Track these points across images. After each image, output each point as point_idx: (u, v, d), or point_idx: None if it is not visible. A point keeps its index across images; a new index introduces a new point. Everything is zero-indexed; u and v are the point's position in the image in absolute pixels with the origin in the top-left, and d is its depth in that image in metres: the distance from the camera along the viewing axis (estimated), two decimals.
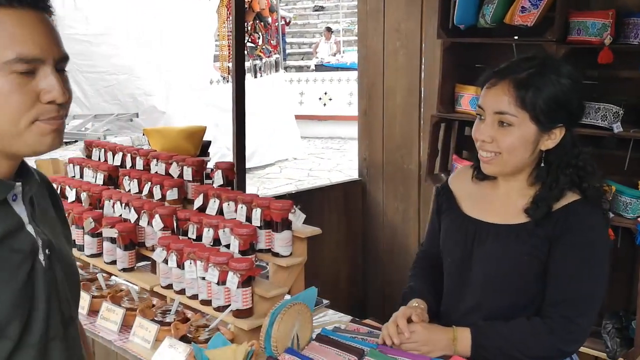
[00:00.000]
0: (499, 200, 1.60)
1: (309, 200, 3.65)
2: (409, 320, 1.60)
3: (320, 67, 12.40)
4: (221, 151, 7.17)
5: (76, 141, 8.81)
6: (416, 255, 1.88)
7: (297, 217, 1.97)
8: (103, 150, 2.73)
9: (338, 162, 9.00)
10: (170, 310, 1.96)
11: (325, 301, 2.16)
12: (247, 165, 4.06)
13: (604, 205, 1.53)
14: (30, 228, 1.07)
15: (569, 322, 1.48)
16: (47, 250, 1.08)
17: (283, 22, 11.87)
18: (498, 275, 1.56)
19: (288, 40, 13.82)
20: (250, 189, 3.40)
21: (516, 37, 3.01)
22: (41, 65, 0.98)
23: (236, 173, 2.62)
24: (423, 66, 3.64)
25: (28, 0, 0.99)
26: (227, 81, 8.23)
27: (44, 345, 1.07)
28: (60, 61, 1.02)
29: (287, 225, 1.97)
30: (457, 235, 1.64)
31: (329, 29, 13.93)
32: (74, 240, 2.35)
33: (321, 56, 13.36)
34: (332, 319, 2.04)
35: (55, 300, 1.09)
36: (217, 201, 2.13)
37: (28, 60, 0.97)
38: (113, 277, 2.29)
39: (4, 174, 1.05)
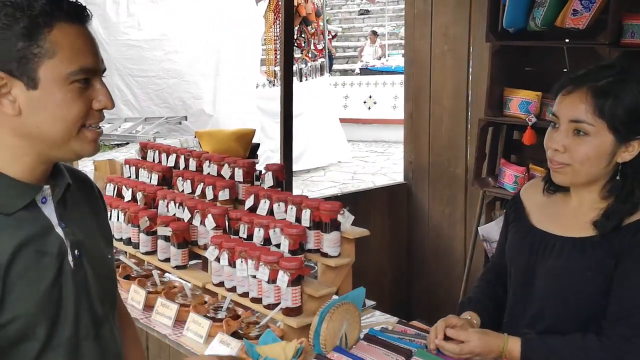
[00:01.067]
0: (569, 213, 1.55)
1: (354, 202, 3.68)
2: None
3: (365, 71, 12.41)
4: (266, 154, 7.27)
5: (127, 143, 9.08)
6: (485, 266, 1.87)
7: (345, 219, 2.00)
8: (157, 151, 2.83)
9: (382, 166, 8.98)
10: (221, 307, 2.02)
11: (371, 302, 2.19)
12: (294, 168, 4.12)
13: None
14: (59, 230, 1.10)
15: (625, 340, 1.41)
16: (76, 251, 1.11)
17: (330, 37, 11.96)
18: (560, 289, 1.51)
19: (333, 44, 13.88)
20: (295, 191, 3.45)
21: (567, 40, 2.97)
22: (93, 76, 1.06)
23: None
24: (471, 69, 3.63)
25: (82, 17, 1.06)
26: (273, 85, 8.33)
27: (74, 345, 1.10)
28: (103, 72, 1.10)
29: (335, 226, 2.01)
30: (522, 247, 1.61)
31: (374, 33, 13.94)
32: (129, 238, 2.45)
33: (366, 60, 13.37)
34: (379, 319, 2.06)
35: (85, 301, 1.12)
36: (268, 202, 2.18)
37: (87, 71, 1.04)
38: (167, 274, 2.37)
39: (36, 178, 1.09)
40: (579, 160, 1.44)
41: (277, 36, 8.09)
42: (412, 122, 4.02)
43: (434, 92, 3.84)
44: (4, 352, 1.04)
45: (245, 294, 2.02)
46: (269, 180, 2.35)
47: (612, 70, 1.45)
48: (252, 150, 3.14)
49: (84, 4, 1.09)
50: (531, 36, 3.05)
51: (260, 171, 2.50)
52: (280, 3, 3.42)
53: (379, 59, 13.36)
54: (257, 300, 1.97)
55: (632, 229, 1.43)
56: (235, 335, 1.87)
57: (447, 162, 3.83)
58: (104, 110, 1.09)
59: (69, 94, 1.03)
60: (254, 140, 3.21)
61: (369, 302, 2.20)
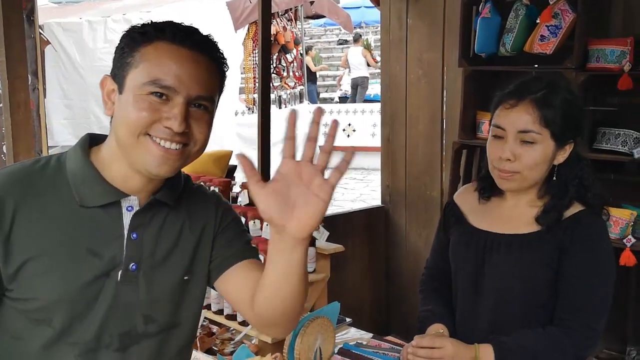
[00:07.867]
0: (507, 212, 1.65)
1: (332, 226, 3.69)
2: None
3: (344, 99, 12.54)
4: (243, 180, 7.28)
5: None
6: (422, 274, 1.88)
7: (320, 234, 2.02)
8: None
9: (361, 192, 9.03)
10: None
11: (348, 319, 2.20)
12: None
13: (603, 214, 1.62)
14: (125, 239, 1.11)
15: (588, 328, 1.53)
16: (132, 265, 1.11)
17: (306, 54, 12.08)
18: (512, 284, 1.59)
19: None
20: None
21: (536, 65, 3.06)
22: (175, 96, 1.07)
23: None
24: (445, 94, 3.71)
25: (188, 42, 1.09)
26: (252, 112, 8.40)
27: (92, 349, 1.10)
28: (197, 99, 1.10)
29: (311, 242, 2.02)
30: (468, 248, 1.67)
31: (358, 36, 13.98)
32: None
33: (345, 88, 13.52)
34: (354, 336, 2.07)
35: (122, 313, 1.11)
36: (243, 219, 2.19)
37: (163, 86, 1.07)
38: None
39: (129, 188, 1.12)
40: (528, 167, 1.55)
41: (255, 64, 8.18)
42: (389, 147, 4.08)
43: (410, 116, 3.91)
44: (28, 327, 1.08)
45: (220, 311, 2.02)
46: (244, 199, 2.37)
47: (542, 82, 1.58)
48: (229, 172, 3.15)
49: (201, 33, 1.12)
50: (502, 61, 3.14)
51: (237, 193, 2.52)
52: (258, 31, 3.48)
53: None
54: (232, 317, 1.97)
55: (572, 223, 1.56)
56: (209, 352, 1.86)
57: (424, 185, 3.88)
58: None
59: (139, 102, 1.07)
60: (232, 164, 3.23)
61: (347, 320, 2.21)
